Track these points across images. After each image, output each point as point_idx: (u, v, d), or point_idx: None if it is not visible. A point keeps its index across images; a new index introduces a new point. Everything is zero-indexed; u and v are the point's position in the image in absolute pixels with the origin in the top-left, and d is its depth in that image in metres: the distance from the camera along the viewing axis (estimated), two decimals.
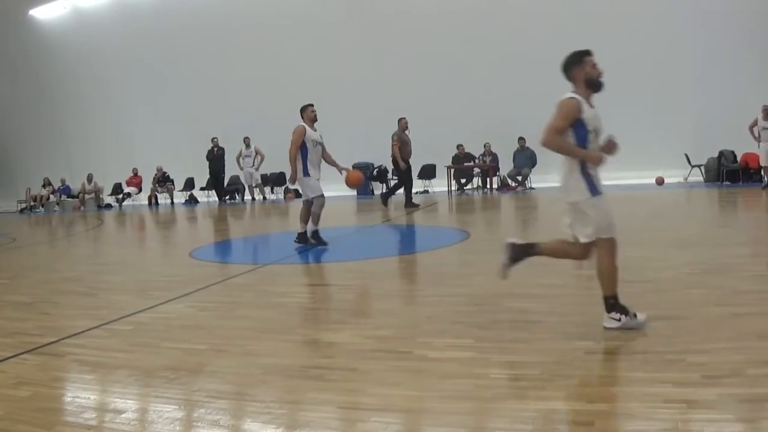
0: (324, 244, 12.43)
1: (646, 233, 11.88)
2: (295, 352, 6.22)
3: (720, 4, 23.92)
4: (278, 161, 23.52)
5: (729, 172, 23.53)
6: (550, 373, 5.17)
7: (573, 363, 5.40)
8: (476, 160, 25.33)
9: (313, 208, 12.43)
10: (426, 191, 25.95)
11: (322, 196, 12.41)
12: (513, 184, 24.92)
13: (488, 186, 25.34)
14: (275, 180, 29.29)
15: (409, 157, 20.28)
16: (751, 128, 20.27)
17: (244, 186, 29.19)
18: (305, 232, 12.50)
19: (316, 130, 12.46)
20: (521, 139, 24.62)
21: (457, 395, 4.86)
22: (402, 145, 19.58)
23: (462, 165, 25.42)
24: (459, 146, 25.52)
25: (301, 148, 12.29)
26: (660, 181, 20.11)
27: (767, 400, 4.52)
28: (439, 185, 25.76)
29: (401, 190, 20.35)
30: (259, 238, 16.11)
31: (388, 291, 8.48)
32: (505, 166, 25.24)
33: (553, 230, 11.96)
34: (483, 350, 5.81)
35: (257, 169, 28.04)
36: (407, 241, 11.94)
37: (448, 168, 25.24)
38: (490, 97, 24.60)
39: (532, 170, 24.68)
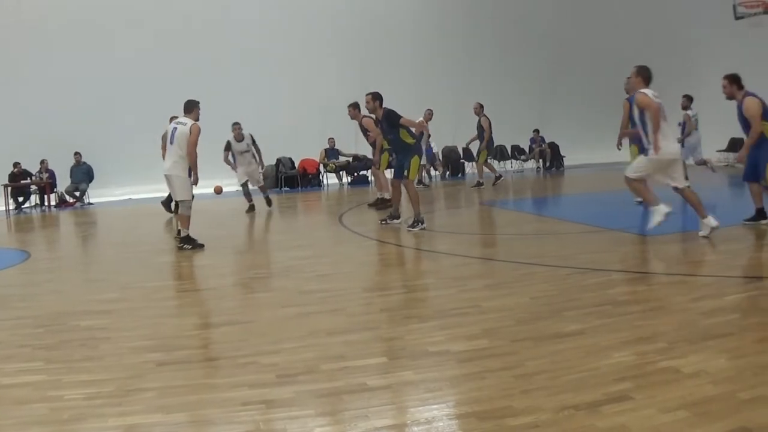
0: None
1: (207, 242, 11.94)
2: None
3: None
4: None
5: (287, 178, 24.50)
6: (124, 388, 4.98)
7: (146, 376, 5.25)
8: (33, 177, 24.07)
9: (183, 210, 11.62)
10: None
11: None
12: (71, 200, 24.05)
13: (46, 203, 24.21)
14: None
15: None
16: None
17: None
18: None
19: None
20: (77, 154, 23.78)
21: (34, 420, 4.50)
22: None
23: (19, 183, 24.03)
24: (16, 164, 24.07)
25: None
26: (218, 191, 20.32)
27: (343, 392, 4.72)
28: None
29: None
30: None
31: None
32: (63, 182, 24.24)
33: (110, 242, 11.64)
34: (54, 372, 5.44)
35: None
36: None
37: (5, 186, 23.73)
38: (45, 112, 23.45)
39: (90, 185, 23.99)
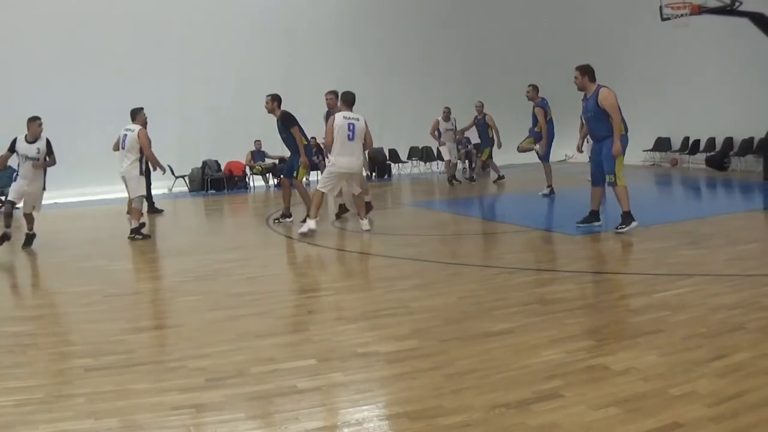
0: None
1: (132, 246, 11.87)
2: None
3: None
4: None
5: (213, 181, 24.28)
6: (54, 394, 4.91)
7: (75, 382, 5.19)
8: None
9: (137, 205, 12.83)
10: None
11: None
12: None
13: None
14: None
15: None
16: (432, 131, 21.44)
17: None
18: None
19: None
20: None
21: None
22: None
23: None
24: None
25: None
26: None
27: (274, 395, 4.74)
28: None
29: None
30: None
31: None
32: None
33: (36, 247, 11.40)
34: None
35: None
36: None
37: None
38: None
39: None
